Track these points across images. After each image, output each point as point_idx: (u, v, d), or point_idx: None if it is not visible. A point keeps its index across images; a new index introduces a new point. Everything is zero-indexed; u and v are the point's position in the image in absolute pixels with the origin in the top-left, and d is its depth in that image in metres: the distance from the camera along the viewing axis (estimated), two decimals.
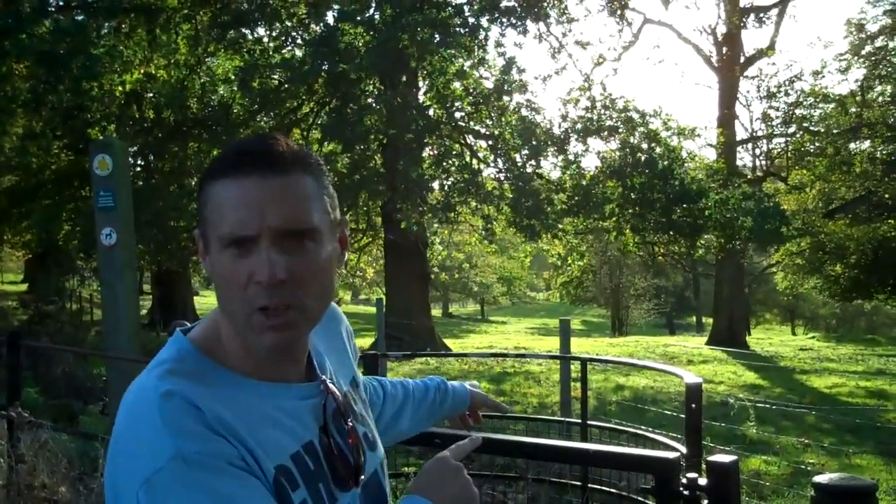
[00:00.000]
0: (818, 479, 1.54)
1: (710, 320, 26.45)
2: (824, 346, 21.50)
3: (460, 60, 14.86)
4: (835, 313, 41.86)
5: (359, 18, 14.53)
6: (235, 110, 16.04)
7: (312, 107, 16.42)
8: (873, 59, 22.75)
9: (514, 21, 15.20)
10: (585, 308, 45.65)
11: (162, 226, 14.34)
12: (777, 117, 24.59)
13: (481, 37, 14.93)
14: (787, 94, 23.84)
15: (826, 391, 11.69)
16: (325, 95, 15.39)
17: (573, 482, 4.93)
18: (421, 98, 15.70)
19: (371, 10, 15.02)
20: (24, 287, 29.08)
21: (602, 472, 4.82)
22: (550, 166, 16.17)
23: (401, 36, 13.13)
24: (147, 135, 15.89)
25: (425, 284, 18.14)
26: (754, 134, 26.05)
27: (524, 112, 15.28)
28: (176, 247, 15.33)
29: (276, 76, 15.57)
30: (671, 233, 16.00)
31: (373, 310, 14.99)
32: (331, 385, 1.06)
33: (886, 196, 21.28)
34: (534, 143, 14.69)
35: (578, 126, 15.14)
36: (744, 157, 27.34)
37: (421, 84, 15.98)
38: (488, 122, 15.43)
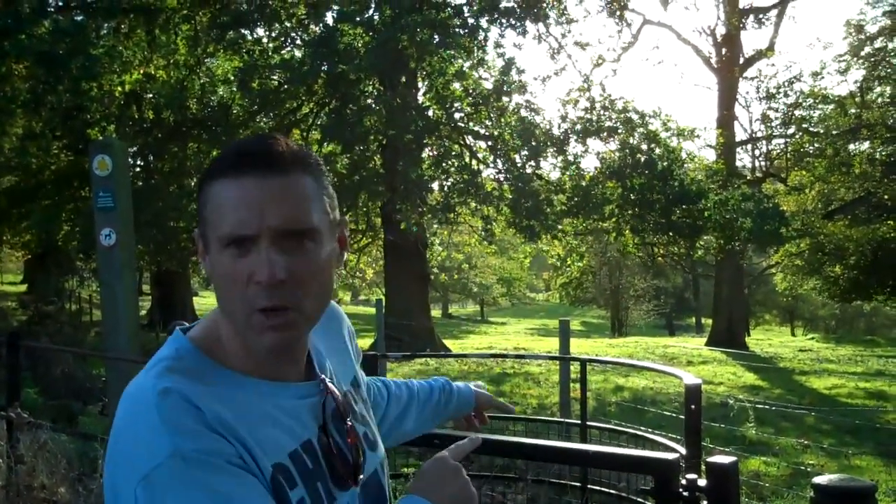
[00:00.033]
0: (817, 480, 1.54)
1: (710, 321, 26.46)
2: (824, 347, 21.52)
3: (460, 61, 14.86)
4: (834, 314, 41.88)
5: (358, 19, 14.53)
6: (235, 111, 16.04)
7: (312, 107, 16.42)
8: (873, 60, 22.77)
9: (513, 22, 15.20)
10: (585, 309, 45.63)
11: (161, 226, 14.34)
12: (776, 118, 24.64)
13: (480, 37, 14.94)
14: (786, 95, 23.88)
15: (825, 392, 11.68)
16: (325, 96, 15.39)
17: (572, 483, 4.92)
18: (420, 99, 15.70)
19: (370, 11, 15.01)
20: (23, 287, 29.07)
21: (601, 473, 4.82)
22: (550, 167, 16.20)
23: (400, 37, 13.13)
24: (146, 135, 15.89)
25: (425, 285, 18.14)
26: (754, 135, 26.07)
27: (523, 113, 15.28)
28: (175, 247, 15.33)
29: (275, 77, 15.58)
30: (671, 234, 16.01)
31: (372, 310, 14.98)
32: (330, 384, 1.07)
33: (886, 197, 21.30)
34: (533, 143, 14.69)
35: (578, 127, 15.14)
36: (743, 158, 27.40)
37: (420, 85, 15.98)
38: (488, 122, 15.43)
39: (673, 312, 43.68)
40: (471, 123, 15.69)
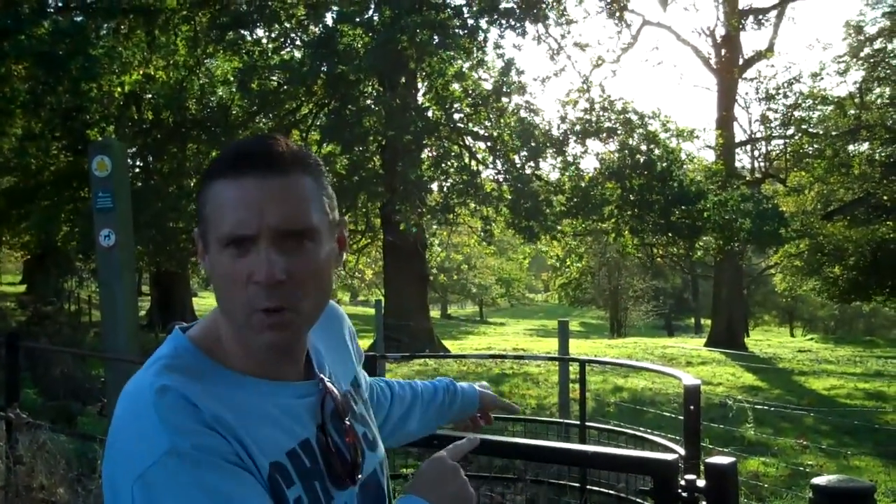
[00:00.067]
0: (816, 480, 1.54)
1: (709, 322, 26.46)
2: (823, 348, 21.53)
3: (459, 62, 14.86)
4: (833, 315, 41.91)
5: (358, 20, 14.52)
6: (234, 111, 16.04)
7: (311, 108, 16.42)
8: (872, 61, 22.79)
9: (512, 23, 15.19)
10: (584, 309, 45.65)
11: (161, 227, 14.33)
12: (776, 119, 24.68)
13: (480, 38, 14.94)
14: (785, 95, 23.92)
15: (824, 393, 11.69)
16: (324, 97, 15.38)
17: (572, 483, 4.92)
18: (420, 99, 15.70)
19: (370, 12, 15.01)
20: (22, 288, 29.06)
21: (600, 473, 4.82)
22: (549, 168, 16.21)
23: (400, 37, 13.13)
24: (146, 136, 15.89)
25: (424, 286, 18.15)
26: (753, 136, 26.11)
27: (523, 113, 15.28)
28: (175, 248, 15.33)
29: (275, 77, 15.58)
30: (670, 234, 16.02)
31: (371, 311, 14.98)
32: (329, 384, 1.07)
33: (885, 198, 21.31)
34: (533, 144, 14.69)
35: (577, 127, 15.14)
36: (742, 159, 27.45)
37: (420, 85, 15.99)
38: (487, 123, 15.43)
39: (672, 313, 43.71)
40: (470, 124, 15.70)
